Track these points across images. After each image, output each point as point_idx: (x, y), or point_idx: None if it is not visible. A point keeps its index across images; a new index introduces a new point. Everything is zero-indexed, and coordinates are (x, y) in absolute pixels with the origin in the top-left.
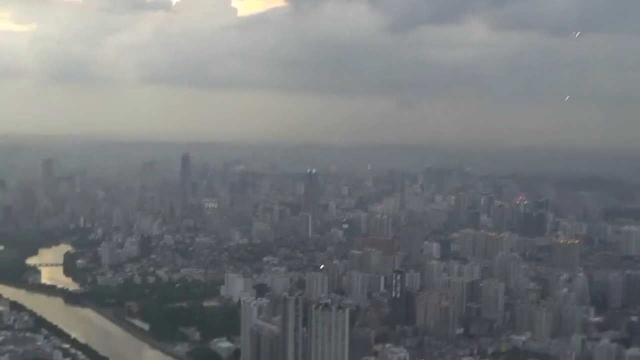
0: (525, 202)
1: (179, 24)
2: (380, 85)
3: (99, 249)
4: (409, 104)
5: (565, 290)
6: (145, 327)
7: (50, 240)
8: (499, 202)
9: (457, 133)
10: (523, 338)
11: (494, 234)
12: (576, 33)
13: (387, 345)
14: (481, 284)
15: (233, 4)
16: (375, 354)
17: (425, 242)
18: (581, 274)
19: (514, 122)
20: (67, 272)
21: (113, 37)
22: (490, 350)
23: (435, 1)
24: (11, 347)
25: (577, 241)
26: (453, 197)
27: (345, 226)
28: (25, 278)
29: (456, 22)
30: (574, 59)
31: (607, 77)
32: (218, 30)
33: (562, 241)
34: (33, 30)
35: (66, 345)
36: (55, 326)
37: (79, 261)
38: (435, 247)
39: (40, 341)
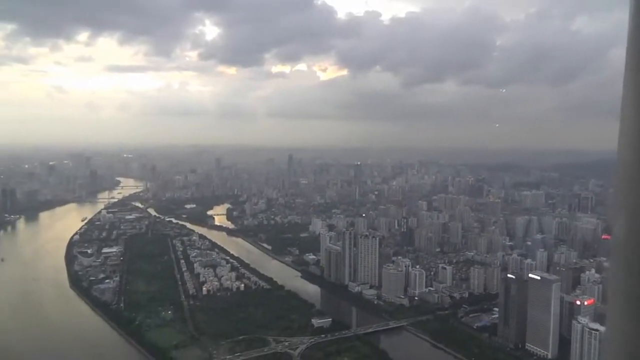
0: (472, 178)
1: (288, 84)
2: (394, 117)
3: (245, 206)
4: (406, 127)
5: (492, 227)
6: (269, 247)
7: (219, 201)
8: (458, 179)
9: (437, 142)
10: (471, 253)
11: (455, 196)
12: (503, 89)
13: (399, 257)
14: (449, 224)
15: (318, 74)
16: (393, 262)
17: (419, 201)
18: (501, 218)
19: (464, 137)
20: (228, 218)
21: (253, 92)
22: (454, 260)
23: (429, 67)
24: (200, 259)
25: (499, 200)
26: (434, 176)
27: (376, 193)
28: (206, 221)
29: (439, 81)
30: (502, 102)
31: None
32: (310, 88)
33: (491, 200)
34: (210, 90)
35: (227, 257)
36: (222, 247)
37: (234, 213)
38: (424, 205)
39: (214, 255)
